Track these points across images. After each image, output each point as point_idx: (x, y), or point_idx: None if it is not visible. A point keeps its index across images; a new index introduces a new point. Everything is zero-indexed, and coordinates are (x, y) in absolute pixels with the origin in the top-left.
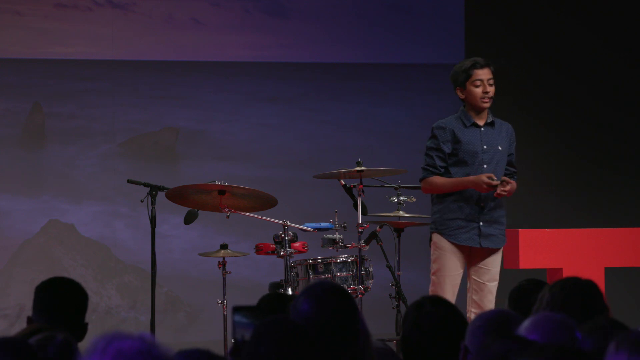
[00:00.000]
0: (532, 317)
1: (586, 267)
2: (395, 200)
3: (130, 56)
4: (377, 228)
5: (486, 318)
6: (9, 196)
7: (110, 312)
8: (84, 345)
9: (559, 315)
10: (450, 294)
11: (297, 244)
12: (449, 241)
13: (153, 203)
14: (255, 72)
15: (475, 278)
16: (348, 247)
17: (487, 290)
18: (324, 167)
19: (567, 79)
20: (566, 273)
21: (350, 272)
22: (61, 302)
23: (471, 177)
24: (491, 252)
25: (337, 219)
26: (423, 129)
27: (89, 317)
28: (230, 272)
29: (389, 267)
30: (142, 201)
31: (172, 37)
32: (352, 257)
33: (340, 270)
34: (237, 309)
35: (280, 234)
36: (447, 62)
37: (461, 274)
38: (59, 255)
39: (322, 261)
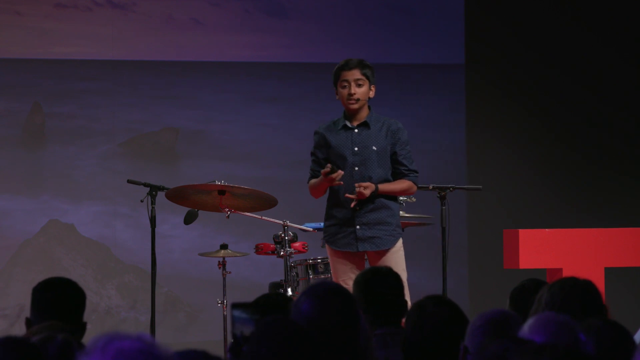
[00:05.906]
0: (536, 317)
1: (586, 267)
2: None
3: (130, 56)
4: None
5: (486, 318)
6: (9, 196)
7: (110, 312)
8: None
9: (563, 316)
10: None
11: (297, 244)
12: (332, 248)
13: (153, 203)
14: (255, 72)
15: None
16: None
17: None
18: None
19: (567, 79)
20: (566, 273)
21: None
22: (59, 301)
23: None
24: (382, 253)
25: None
26: (423, 129)
27: (89, 317)
28: (230, 272)
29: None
30: (142, 201)
31: (172, 37)
32: None
33: None
34: (235, 305)
35: (280, 234)
36: (447, 62)
37: None
38: (59, 255)
39: (322, 261)
